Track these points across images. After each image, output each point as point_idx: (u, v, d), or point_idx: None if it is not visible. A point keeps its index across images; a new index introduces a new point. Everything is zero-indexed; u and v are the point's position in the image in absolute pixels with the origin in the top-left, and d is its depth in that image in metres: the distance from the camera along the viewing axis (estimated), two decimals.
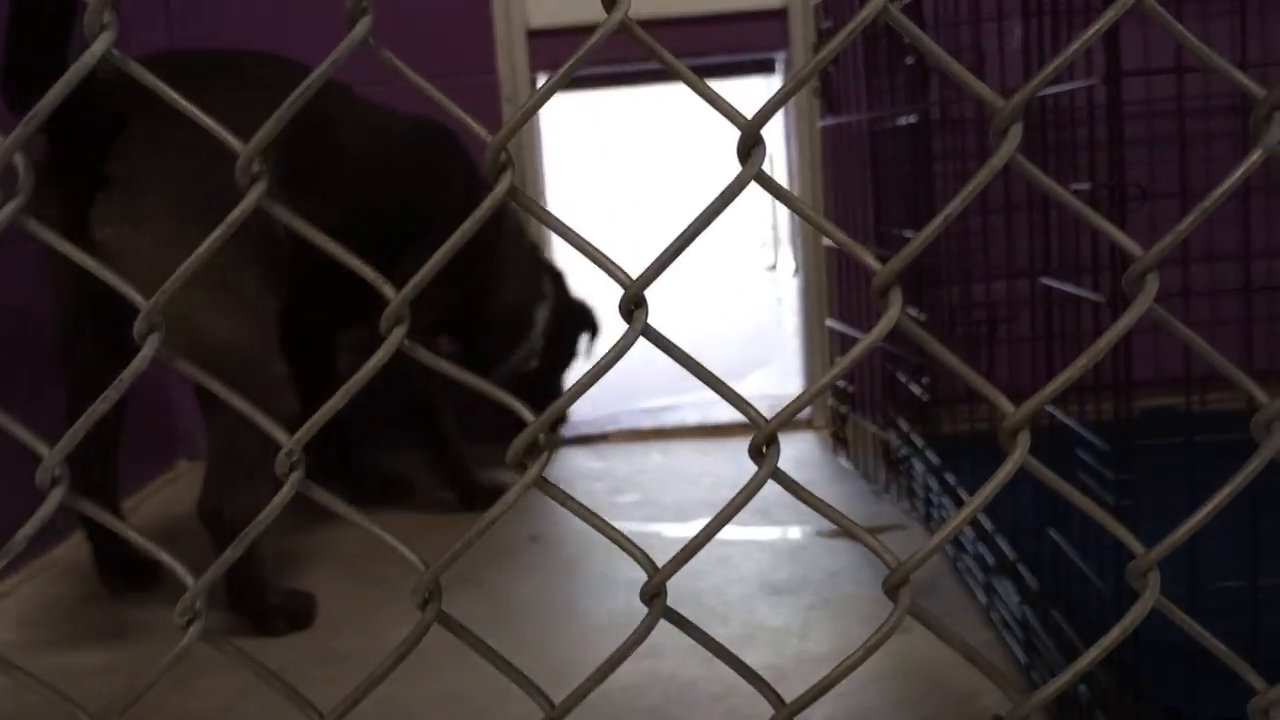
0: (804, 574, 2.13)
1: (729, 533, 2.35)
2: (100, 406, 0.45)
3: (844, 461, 2.71)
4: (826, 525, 2.38)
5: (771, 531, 2.36)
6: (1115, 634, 0.44)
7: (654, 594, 0.45)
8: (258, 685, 1.84)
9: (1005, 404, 0.44)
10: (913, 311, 2.27)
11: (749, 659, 1.82)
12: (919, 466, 2.31)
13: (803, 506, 2.43)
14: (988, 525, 1.86)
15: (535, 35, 3.10)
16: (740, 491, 0.45)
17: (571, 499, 0.46)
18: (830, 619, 1.92)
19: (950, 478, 2.10)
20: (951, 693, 1.66)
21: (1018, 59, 1.58)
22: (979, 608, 1.87)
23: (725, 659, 0.48)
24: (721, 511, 0.45)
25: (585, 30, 3.06)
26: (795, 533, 2.35)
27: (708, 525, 0.45)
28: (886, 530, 2.31)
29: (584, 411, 3.33)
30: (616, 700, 1.70)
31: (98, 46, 0.44)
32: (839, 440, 2.74)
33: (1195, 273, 1.50)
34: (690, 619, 1.73)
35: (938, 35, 2.16)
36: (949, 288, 2.27)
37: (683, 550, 0.46)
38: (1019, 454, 0.43)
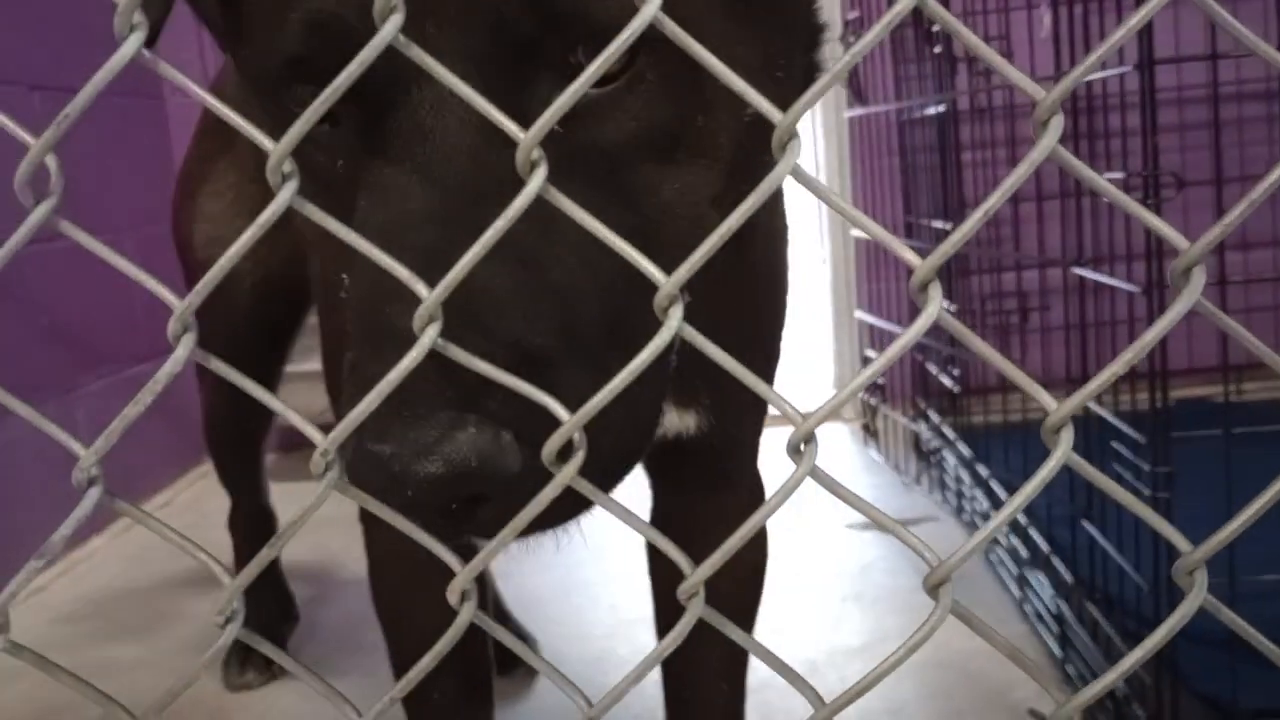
0: (835, 567, 2.12)
1: None
2: (133, 410, 0.46)
3: (874, 453, 2.70)
4: (857, 518, 2.37)
5: (804, 525, 2.35)
6: (1160, 634, 0.43)
7: (691, 594, 0.45)
8: (292, 677, 1.86)
9: (1048, 400, 0.43)
10: (944, 302, 2.26)
11: (781, 653, 1.82)
12: (950, 458, 2.29)
13: (834, 500, 2.42)
14: (1021, 517, 1.85)
15: None
16: (779, 490, 0.44)
17: (610, 500, 0.46)
18: (862, 612, 1.91)
19: (982, 470, 2.08)
20: (986, 685, 1.65)
21: (1047, 47, 1.56)
22: (1012, 600, 1.86)
23: (763, 657, 0.47)
24: (759, 511, 0.45)
25: None
26: (827, 526, 2.34)
27: (744, 524, 0.45)
28: (918, 523, 2.29)
29: None
30: (651, 694, 1.70)
31: (128, 48, 0.44)
32: (869, 432, 2.72)
33: (1229, 260, 1.48)
34: None
35: (965, 24, 2.14)
36: (979, 276, 2.25)
37: (720, 550, 0.45)
38: (1061, 452, 0.42)
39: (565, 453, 0.46)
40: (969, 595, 1.91)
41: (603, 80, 0.56)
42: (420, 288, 0.45)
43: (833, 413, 0.44)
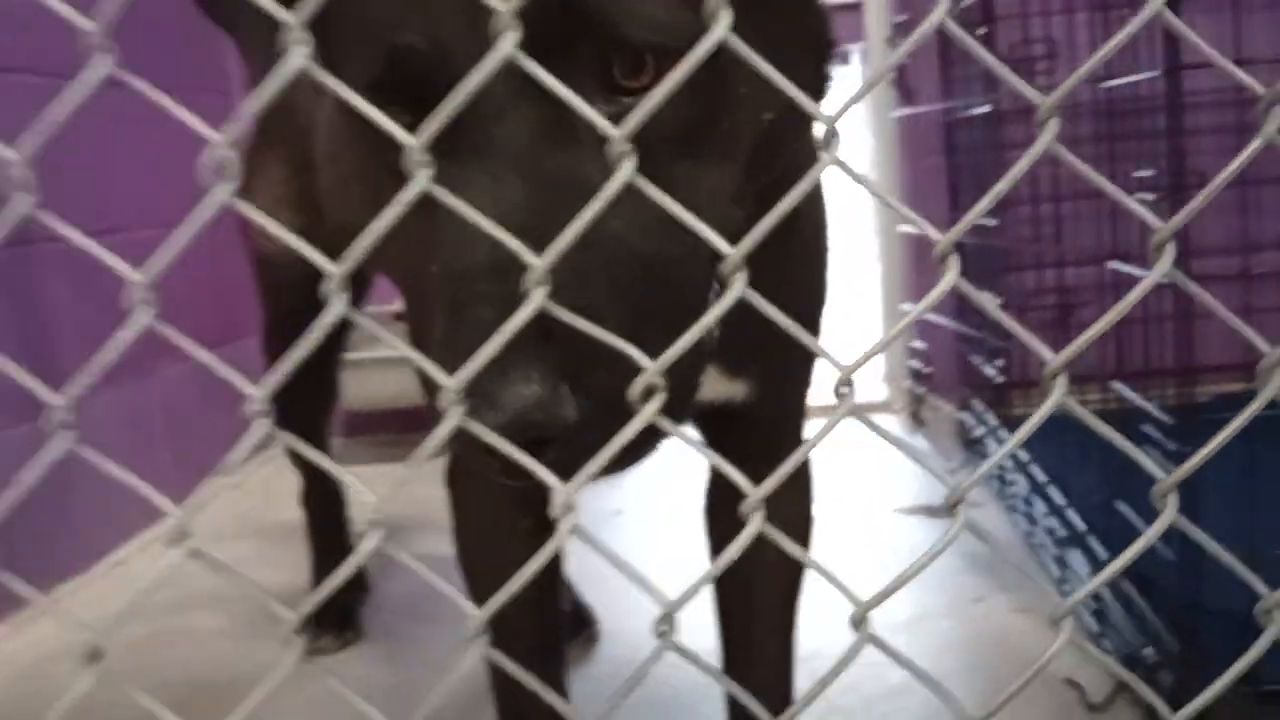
0: (882, 548, 2.21)
1: None
2: (297, 353, 0.56)
3: (921, 442, 2.77)
4: (906, 503, 2.45)
5: (850, 509, 2.43)
6: (1138, 546, 0.52)
7: (754, 509, 0.55)
8: (363, 645, 1.98)
9: (1046, 352, 0.52)
10: (989, 296, 2.34)
11: (829, 628, 1.89)
12: (993, 446, 2.37)
13: (883, 483, 2.48)
14: (1058, 499, 1.92)
15: None
16: (825, 426, 0.54)
17: (683, 434, 0.56)
18: (908, 590, 1.94)
19: (1023, 455, 2.16)
20: (1025, 658, 1.72)
21: (1086, 50, 1.64)
22: (1051, 580, 1.93)
23: (815, 567, 0.57)
24: (807, 443, 0.54)
25: None
26: (873, 510, 2.42)
27: (794, 454, 0.54)
28: None
29: None
30: (709, 660, 1.80)
31: (296, 59, 0.54)
32: (915, 421, 2.80)
33: (1266, 260, 1.55)
34: None
35: (1009, 27, 2.22)
36: (1020, 274, 2.32)
37: (776, 474, 0.55)
38: (1056, 395, 0.51)
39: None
40: (1010, 575, 1.98)
41: (634, 89, 0.66)
42: (529, 256, 0.55)
43: (869, 360, 0.54)
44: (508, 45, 0.55)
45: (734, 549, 0.57)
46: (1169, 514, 0.52)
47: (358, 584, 2.11)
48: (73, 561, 2.33)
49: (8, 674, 1.95)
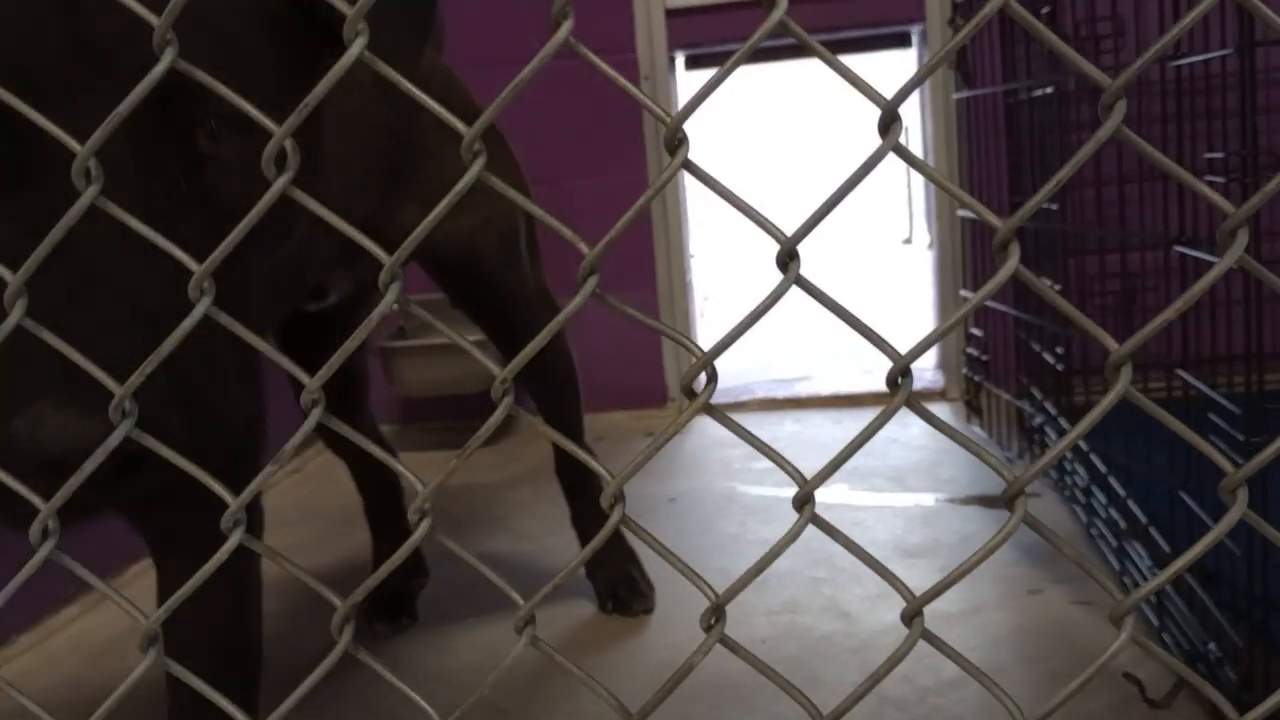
0: (937, 538, 2.19)
1: (864, 498, 2.42)
2: (352, 343, 0.56)
3: (978, 430, 2.74)
4: (960, 492, 2.42)
5: (906, 498, 2.41)
6: (1207, 540, 0.51)
7: (804, 500, 0.54)
8: (416, 632, 2.00)
9: (1109, 341, 0.51)
10: (1049, 282, 2.29)
11: (883, 616, 1.89)
12: (1053, 435, 2.33)
13: (936, 474, 2.47)
14: (1119, 490, 1.89)
15: (673, 14, 3.19)
16: (879, 415, 0.53)
17: (730, 419, 0.55)
18: (962, 581, 1.97)
19: (1083, 444, 2.12)
20: (1081, 649, 1.70)
21: (1154, 27, 1.60)
22: (1111, 572, 1.90)
23: (861, 557, 0.56)
24: (862, 432, 0.53)
25: (722, 8, 3.13)
26: (929, 499, 2.40)
27: (848, 444, 0.53)
28: None
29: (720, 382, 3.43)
30: (756, 651, 1.79)
31: (562, 32, 0.53)
32: (973, 409, 2.77)
33: None
34: (825, 579, 1.80)
35: (1074, 4, 2.17)
36: (1082, 258, 2.28)
37: (829, 464, 0.54)
38: (1120, 385, 0.50)
39: None
40: (1069, 567, 1.95)
41: None
42: (583, 246, 0.55)
43: (926, 350, 0.53)
44: (563, 33, 0.54)
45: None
46: (1238, 509, 0.50)
47: (416, 570, 2.13)
48: (138, 545, 2.37)
49: (80, 654, 2.00)
